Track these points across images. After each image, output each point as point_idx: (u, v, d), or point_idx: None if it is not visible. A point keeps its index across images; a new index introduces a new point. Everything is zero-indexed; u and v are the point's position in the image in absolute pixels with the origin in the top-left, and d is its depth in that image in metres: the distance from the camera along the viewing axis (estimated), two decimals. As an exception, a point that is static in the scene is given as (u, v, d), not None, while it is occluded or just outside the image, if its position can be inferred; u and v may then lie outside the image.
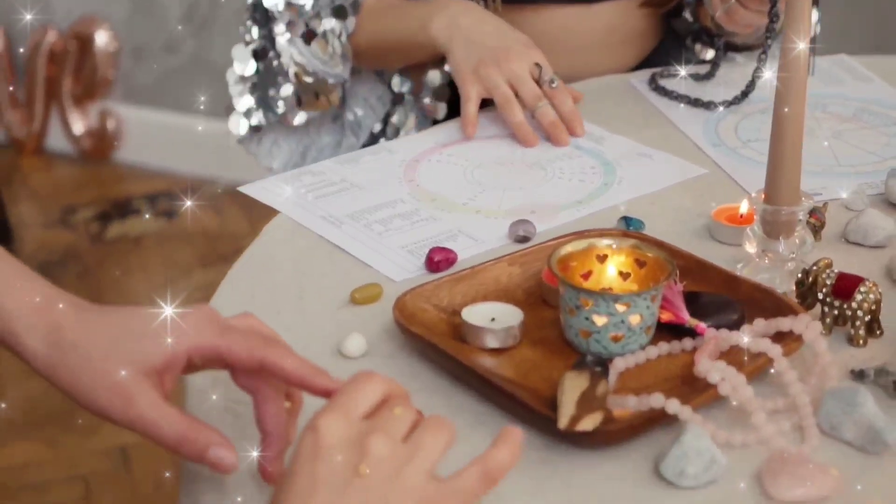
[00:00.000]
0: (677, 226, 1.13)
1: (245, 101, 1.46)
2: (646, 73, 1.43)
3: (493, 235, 1.12)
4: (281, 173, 1.27)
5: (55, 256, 2.72)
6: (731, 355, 0.91)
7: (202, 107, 2.84)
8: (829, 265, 0.98)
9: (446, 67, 1.35)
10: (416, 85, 1.44)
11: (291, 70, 1.41)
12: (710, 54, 1.46)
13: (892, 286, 1.04)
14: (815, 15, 1.37)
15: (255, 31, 1.44)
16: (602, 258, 0.98)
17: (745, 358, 0.91)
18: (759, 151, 1.24)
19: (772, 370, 0.90)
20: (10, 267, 0.82)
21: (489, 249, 1.10)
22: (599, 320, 0.92)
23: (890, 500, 0.79)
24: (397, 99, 1.45)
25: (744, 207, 1.10)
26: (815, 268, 0.98)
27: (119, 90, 3.03)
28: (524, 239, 1.11)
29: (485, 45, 1.30)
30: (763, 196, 1.02)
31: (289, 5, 1.40)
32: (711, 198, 1.16)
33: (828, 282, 0.97)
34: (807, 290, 0.98)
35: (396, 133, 1.44)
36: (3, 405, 2.24)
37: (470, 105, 1.28)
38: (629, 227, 1.11)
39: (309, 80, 1.41)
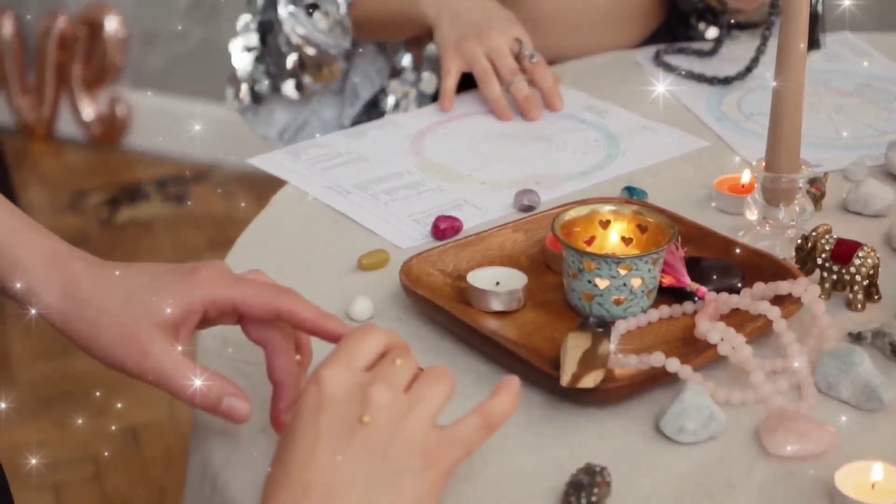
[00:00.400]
0: (679, 196, 1.15)
1: (248, 71, 1.48)
2: (650, 50, 1.45)
3: (497, 205, 1.14)
4: (288, 146, 1.29)
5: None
6: (731, 318, 0.93)
7: (211, 92, 2.86)
8: (829, 231, 0.99)
9: (432, 43, 1.37)
10: (417, 58, 1.46)
11: (294, 41, 1.44)
12: (714, 32, 1.48)
13: (891, 254, 1.05)
14: None
15: (259, 2, 1.46)
16: (605, 224, 1.00)
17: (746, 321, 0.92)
18: (761, 125, 1.25)
19: (771, 331, 0.91)
20: (23, 223, 0.84)
21: (494, 218, 1.12)
22: (602, 283, 0.94)
23: (886, 455, 0.80)
24: (395, 73, 1.48)
25: (745, 177, 1.12)
26: (814, 233, 0.99)
27: (129, 76, 3.05)
28: (529, 208, 1.13)
29: (469, 21, 1.32)
30: (764, 164, 1.03)
31: None
32: (714, 169, 1.18)
33: (827, 247, 0.98)
34: (806, 255, 0.99)
35: (395, 106, 1.46)
36: (14, 387, 2.26)
37: (448, 79, 1.31)
38: (632, 197, 1.12)
39: (311, 51, 1.43)
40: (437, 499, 0.72)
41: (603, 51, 1.45)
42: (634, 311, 0.95)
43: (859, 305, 0.97)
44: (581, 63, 1.42)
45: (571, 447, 0.84)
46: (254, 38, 1.47)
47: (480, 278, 0.98)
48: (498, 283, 0.98)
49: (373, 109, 1.50)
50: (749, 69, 1.37)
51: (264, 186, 1.21)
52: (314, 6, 1.42)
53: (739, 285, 0.96)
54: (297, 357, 0.85)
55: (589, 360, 0.87)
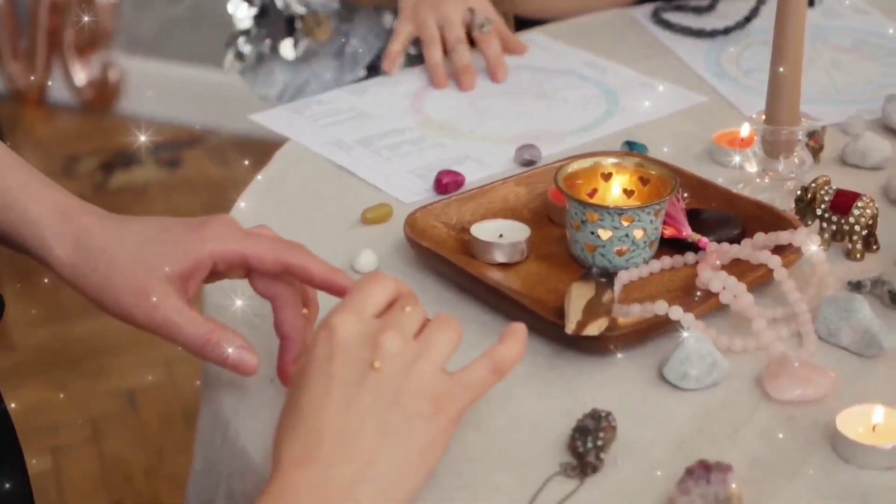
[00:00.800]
0: (679, 150, 1.16)
1: (248, 27, 1.49)
2: (648, 7, 1.45)
3: (499, 160, 1.15)
4: (290, 103, 1.29)
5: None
6: (732, 268, 0.94)
7: (204, 57, 2.85)
8: (828, 182, 1.00)
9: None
10: None
11: (282, 1, 1.45)
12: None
13: (889, 205, 1.07)
14: None
15: None
16: (607, 176, 1.00)
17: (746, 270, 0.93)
18: (760, 81, 1.26)
19: (771, 282, 0.92)
20: (35, 177, 0.84)
21: (496, 173, 1.12)
22: (604, 234, 0.95)
23: (885, 399, 0.81)
24: (391, 34, 1.48)
25: (744, 131, 1.13)
26: (813, 184, 1.00)
27: (121, 40, 3.04)
28: (530, 163, 1.14)
29: None
30: (763, 117, 1.04)
31: None
32: (713, 124, 1.19)
33: (826, 198, 0.99)
34: (805, 206, 1.01)
35: None
36: (14, 351, 2.27)
37: (395, 42, 1.34)
38: (633, 151, 1.13)
39: (301, 10, 1.44)
40: (446, 444, 0.74)
41: (602, 9, 1.46)
42: (637, 262, 0.96)
43: (858, 255, 0.98)
44: (581, 20, 1.43)
45: (577, 394, 0.85)
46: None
47: (484, 230, 0.99)
48: (501, 236, 0.99)
49: (372, 73, 1.50)
50: (748, 19, 1.37)
51: (258, 151, 1.22)
52: None
53: (740, 236, 0.97)
54: (304, 311, 0.85)
55: (593, 309, 0.88)
